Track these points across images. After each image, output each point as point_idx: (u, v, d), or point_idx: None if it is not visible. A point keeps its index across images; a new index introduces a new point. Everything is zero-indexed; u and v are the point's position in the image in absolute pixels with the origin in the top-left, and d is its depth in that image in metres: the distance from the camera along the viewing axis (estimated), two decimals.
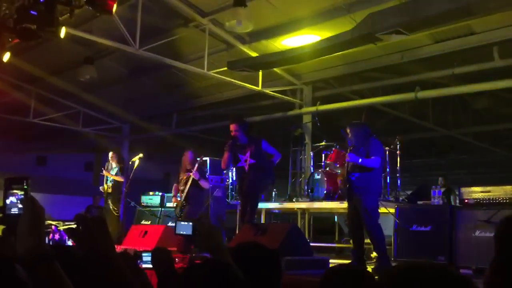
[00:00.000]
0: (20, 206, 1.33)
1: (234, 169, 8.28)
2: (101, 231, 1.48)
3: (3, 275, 1.11)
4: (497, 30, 7.26)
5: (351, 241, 6.03)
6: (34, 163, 15.90)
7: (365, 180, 5.65)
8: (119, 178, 8.87)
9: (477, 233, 5.39)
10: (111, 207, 8.76)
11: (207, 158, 9.11)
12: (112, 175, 8.88)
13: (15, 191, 1.37)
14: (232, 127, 6.54)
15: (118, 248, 6.42)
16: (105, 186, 8.93)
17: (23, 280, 1.16)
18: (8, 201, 1.38)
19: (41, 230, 1.27)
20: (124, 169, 9.07)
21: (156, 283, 2.19)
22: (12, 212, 1.37)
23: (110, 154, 9.09)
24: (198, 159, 7.48)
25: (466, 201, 5.84)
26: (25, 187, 1.36)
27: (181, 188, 7.54)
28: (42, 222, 1.29)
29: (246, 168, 6.51)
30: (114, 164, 9.02)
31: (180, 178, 7.63)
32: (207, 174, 8.77)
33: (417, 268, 1.03)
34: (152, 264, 2.24)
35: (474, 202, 5.73)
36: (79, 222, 1.50)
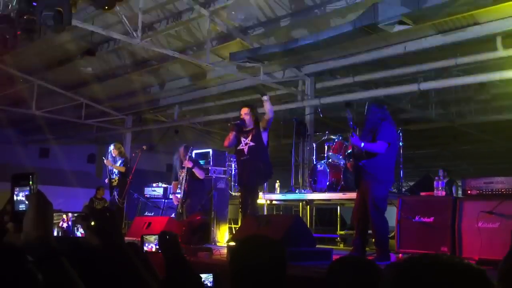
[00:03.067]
0: (27, 202, 1.34)
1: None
2: (111, 223, 1.49)
3: (14, 265, 1.12)
4: (501, 21, 7.22)
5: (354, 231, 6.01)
6: (36, 155, 15.93)
7: (372, 167, 5.49)
8: (123, 169, 8.90)
9: (480, 224, 5.39)
10: (117, 200, 8.79)
11: (210, 150, 9.12)
12: (115, 165, 8.90)
13: (22, 187, 1.38)
14: (244, 110, 6.67)
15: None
16: (111, 179, 8.95)
17: (34, 271, 1.16)
18: (15, 198, 1.38)
19: (48, 226, 1.27)
20: (127, 161, 9.09)
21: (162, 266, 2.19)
22: (20, 209, 1.38)
23: (112, 147, 9.08)
24: (190, 151, 7.58)
25: (469, 192, 5.83)
26: (31, 183, 1.36)
27: (179, 184, 7.62)
28: (48, 217, 1.29)
29: (246, 150, 6.54)
30: (117, 157, 9.02)
31: (179, 175, 7.72)
32: (210, 165, 8.80)
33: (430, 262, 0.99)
34: (159, 247, 2.23)
35: (477, 193, 5.72)
36: (88, 213, 1.51)
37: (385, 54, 8.71)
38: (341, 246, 8.21)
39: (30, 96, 11.89)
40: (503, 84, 8.84)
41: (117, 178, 8.91)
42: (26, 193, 1.36)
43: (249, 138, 6.58)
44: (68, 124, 14.17)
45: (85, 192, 12.10)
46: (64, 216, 1.60)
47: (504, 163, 16.00)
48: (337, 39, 7.88)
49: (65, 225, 1.79)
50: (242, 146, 6.63)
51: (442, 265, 0.97)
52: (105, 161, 9.00)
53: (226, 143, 6.77)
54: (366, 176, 5.55)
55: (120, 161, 8.95)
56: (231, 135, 6.63)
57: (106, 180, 9.05)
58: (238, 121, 6.67)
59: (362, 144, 5.47)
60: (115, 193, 8.86)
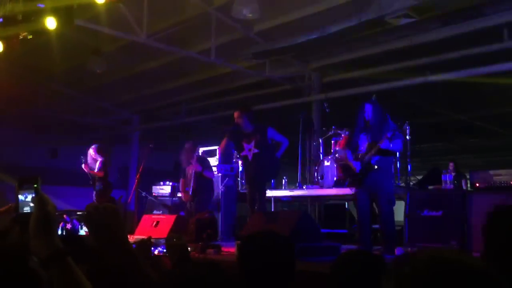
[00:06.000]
0: (32, 205, 1.37)
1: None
2: (114, 220, 1.50)
3: (18, 265, 1.13)
4: (507, 11, 7.16)
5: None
6: (46, 156, 16.01)
7: (385, 164, 5.55)
8: (101, 173, 8.88)
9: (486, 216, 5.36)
10: (95, 201, 8.83)
11: (217, 147, 9.13)
12: (94, 172, 8.87)
13: (26, 190, 1.41)
14: (235, 114, 6.56)
15: (130, 238, 6.48)
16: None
17: (37, 271, 1.18)
18: (20, 200, 1.42)
19: (53, 228, 1.30)
20: (105, 162, 9.04)
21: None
22: (24, 211, 1.41)
23: (91, 150, 9.02)
24: (197, 150, 7.54)
25: (477, 185, 5.80)
26: (35, 185, 1.39)
27: (188, 182, 7.61)
28: (53, 220, 1.32)
29: (250, 157, 6.50)
30: (98, 157, 8.95)
31: (187, 172, 7.70)
32: (217, 163, 8.81)
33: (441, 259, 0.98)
34: (166, 250, 2.25)
35: (486, 186, 5.70)
36: (91, 212, 1.52)
37: (391, 47, 8.67)
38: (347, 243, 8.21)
39: (38, 96, 11.96)
40: (510, 74, 8.76)
41: (97, 178, 8.91)
42: (31, 195, 1.39)
43: (252, 144, 6.49)
44: (76, 124, 14.24)
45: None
46: (65, 215, 1.61)
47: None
48: (343, 34, 7.86)
49: (69, 225, 1.80)
50: (246, 152, 6.54)
51: (445, 261, 0.97)
52: (83, 166, 8.96)
53: (220, 150, 6.76)
54: (379, 172, 5.53)
55: (100, 160, 8.91)
56: (223, 144, 6.60)
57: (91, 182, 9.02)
58: (231, 127, 6.59)
59: (391, 145, 5.48)
60: (94, 194, 8.87)
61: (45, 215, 1.30)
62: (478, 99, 11.47)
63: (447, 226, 5.68)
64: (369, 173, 5.57)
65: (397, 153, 5.66)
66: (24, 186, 1.42)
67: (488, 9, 7.21)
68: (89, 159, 8.93)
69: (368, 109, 5.66)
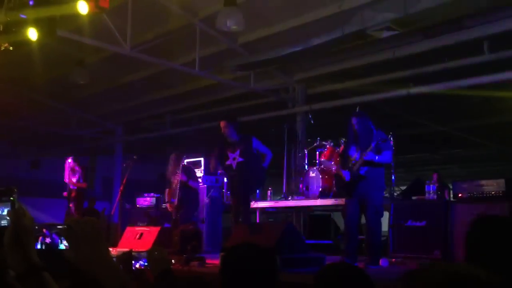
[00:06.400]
0: (9, 218, 1.33)
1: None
2: (96, 235, 1.47)
3: None
4: (488, 25, 7.29)
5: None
6: (27, 167, 15.82)
7: (375, 175, 5.58)
8: (84, 185, 8.88)
9: (469, 225, 5.41)
10: (73, 212, 8.78)
11: (201, 158, 9.11)
12: (79, 183, 8.82)
13: (3, 203, 1.38)
14: (222, 123, 6.57)
15: (113, 251, 6.40)
16: (70, 191, 8.88)
17: (15, 286, 1.16)
18: None
19: (29, 242, 1.27)
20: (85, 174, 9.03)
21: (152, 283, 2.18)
22: (2, 225, 1.38)
23: (70, 160, 8.98)
24: (182, 159, 7.54)
25: (460, 195, 5.86)
26: (12, 198, 1.36)
27: (174, 192, 7.57)
28: (30, 234, 1.29)
29: (234, 166, 6.49)
30: (76, 168, 8.92)
31: (171, 181, 7.66)
32: (202, 174, 8.78)
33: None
34: (148, 264, 2.23)
35: (468, 196, 5.75)
36: (71, 226, 1.50)
37: (375, 60, 8.77)
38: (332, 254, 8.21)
39: (21, 108, 11.83)
40: (493, 87, 8.91)
41: (74, 190, 8.84)
42: (8, 208, 1.36)
43: (237, 153, 6.49)
44: (59, 135, 14.11)
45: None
46: (45, 230, 1.58)
47: (496, 166, 16.12)
48: (326, 46, 7.93)
49: (48, 239, 1.77)
50: (230, 161, 6.54)
51: (461, 278, 0.95)
52: (66, 179, 8.89)
53: (211, 169, 6.81)
54: (367, 184, 5.57)
55: (79, 173, 8.86)
56: (212, 164, 6.66)
57: (64, 193, 8.95)
58: (217, 146, 6.65)
59: (377, 157, 5.51)
60: (72, 205, 8.81)
61: (21, 228, 1.27)
62: (461, 110, 11.63)
63: (430, 236, 5.73)
64: (358, 183, 5.60)
65: (386, 164, 5.67)
66: (0, 199, 1.39)
67: (469, 22, 7.33)
68: (67, 172, 8.88)
69: (355, 122, 5.74)
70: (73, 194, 8.81)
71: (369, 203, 5.54)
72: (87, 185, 8.88)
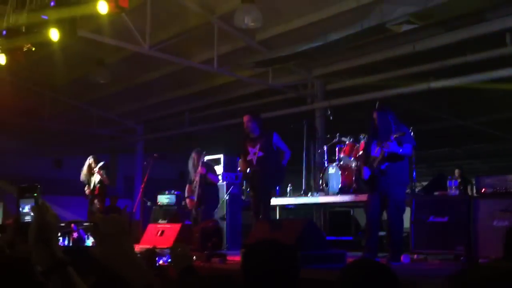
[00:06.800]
0: (32, 214, 1.36)
1: None
2: (121, 232, 1.50)
3: (23, 276, 1.13)
4: (509, 16, 7.16)
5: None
6: (50, 166, 16.07)
7: (396, 170, 5.52)
8: (106, 180, 8.99)
9: (495, 222, 5.33)
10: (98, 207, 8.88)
11: (221, 156, 9.13)
12: (103, 176, 8.91)
13: (27, 199, 1.40)
14: (245, 118, 6.59)
15: (136, 248, 6.47)
16: (93, 188, 8.95)
17: (41, 279, 1.18)
18: (21, 210, 1.41)
19: (53, 238, 1.29)
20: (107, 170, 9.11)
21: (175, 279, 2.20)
22: (26, 220, 1.40)
23: (91, 160, 9.07)
24: (203, 156, 7.60)
25: (483, 190, 5.77)
26: (35, 195, 1.38)
27: (194, 188, 7.61)
28: (53, 229, 1.31)
29: (254, 161, 6.50)
30: (94, 168, 8.99)
31: (192, 179, 7.70)
32: (222, 171, 8.81)
33: None
34: (171, 260, 2.25)
35: (491, 192, 5.67)
36: (98, 223, 1.52)
37: (394, 54, 8.69)
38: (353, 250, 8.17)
39: (43, 107, 12.03)
40: None
41: (98, 187, 8.93)
42: (32, 205, 1.38)
43: (258, 147, 6.51)
44: (81, 135, 14.29)
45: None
46: (73, 225, 1.60)
47: None
48: (345, 41, 7.88)
49: (75, 234, 1.80)
50: (251, 156, 6.55)
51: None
52: (97, 171, 8.96)
53: (242, 171, 6.84)
54: (389, 179, 5.52)
55: (101, 164, 8.93)
56: (242, 164, 6.68)
57: (87, 191, 9.02)
58: (242, 144, 6.68)
59: (401, 150, 5.45)
60: (96, 202, 8.90)
61: (44, 224, 1.29)
62: (482, 104, 11.45)
63: (452, 232, 5.65)
64: (380, 178, 5.56)
65: (405, 158, 5.61)
66: (24, 196, 1.42)
67: (490, 15, 7.21)
68: (86, 171, 8.99)
69: (375, 116, 5.69)
70: (96, 192, 8.93)
71: (390, 198, 5.49)
72: (109, 182, 8.97)
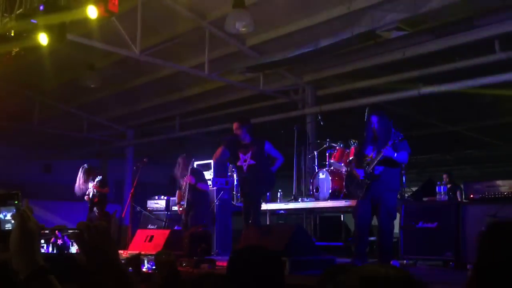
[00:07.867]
0: (13, 221, 1.34)
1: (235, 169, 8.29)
2: (106, 240, 1.48)
3: (4, 284, 1.12)
4: (498, 23, 7.22)
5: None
6: (39, 171, 15.96)
7: (388, 176, 5.52)
8: (106, 190, 8.96)
9: (483, 228, 5.35)
10: (97, 216, 8.82)
11: (211, 161, 9.11)
12: (100, 189, 8.87)
13: (7, 206, 1.39)
14: (235, 125, 6.58)
15: (124, 253, 6.42)
16: (92, 197, 8.90)
17: (21, 284, 1.17)
18: (2, 217, 1.39)
19: (34, 245, 1.28)
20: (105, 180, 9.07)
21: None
22: (6, 228, 1.39)
23: (86, 168, 9.04)
24: (191, 162, 7.56)
25: (471, 196, 5.80)
26: (16, 202, 1.37)
27: (183, 194, 7.59)
28: (34, 237, 1.30)
29: (245, 168, 6.50)
30: (91, 178, 8.95)
31: (181, 184, 7.69)
32: (212, 176, 8.78)
33: None
34: (155, 266, 2.24)
35: (480, 197, 5.70)
36: (82, 230, 1.50)
37: (384, 60, 8.73)
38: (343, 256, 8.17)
39: (32, 112, 11.95)
40: (505, 86, 8.83)
41: (97, 195, 8.87)
42: (13, 212, 1.36)
43: (249, 155, 6.50)
44: (70, 139, 14.21)
45: (87, 206, 12.10)
46: (57, 231, 1.58)
47: (509, 166, 15.92)
48: (336, 47, 7.91)
49: (60, 241, 1.78)
50: (241, 163, 6.55)
51: None
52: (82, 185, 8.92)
53: (214, 158, 6.77)
54: (381, 185, 5.51)
55: (98, 178, 8.88)
56: (218, 151, 6.61)
57: (86, 198, 8.97)
58: (230, 136, 6.62)
59: (395, 155, 5.43)
60: (95, 210, 8.85)
61: (25, 232, 1.28)
62: (472, 110, 11.53)
63: (441, 238, 5.67)
64: (372, 183, 5.54)
65: (402, 164, 5.61)
66: (5, 203, 1.40)
67: (479, 22, 7.28)
68: (83, 180, 8.92)
69: (374, 120, 5.64)
70: (95, 200, 8.88)
71: (382, 204, 5.48)
72: (108, 190, 8.96)
